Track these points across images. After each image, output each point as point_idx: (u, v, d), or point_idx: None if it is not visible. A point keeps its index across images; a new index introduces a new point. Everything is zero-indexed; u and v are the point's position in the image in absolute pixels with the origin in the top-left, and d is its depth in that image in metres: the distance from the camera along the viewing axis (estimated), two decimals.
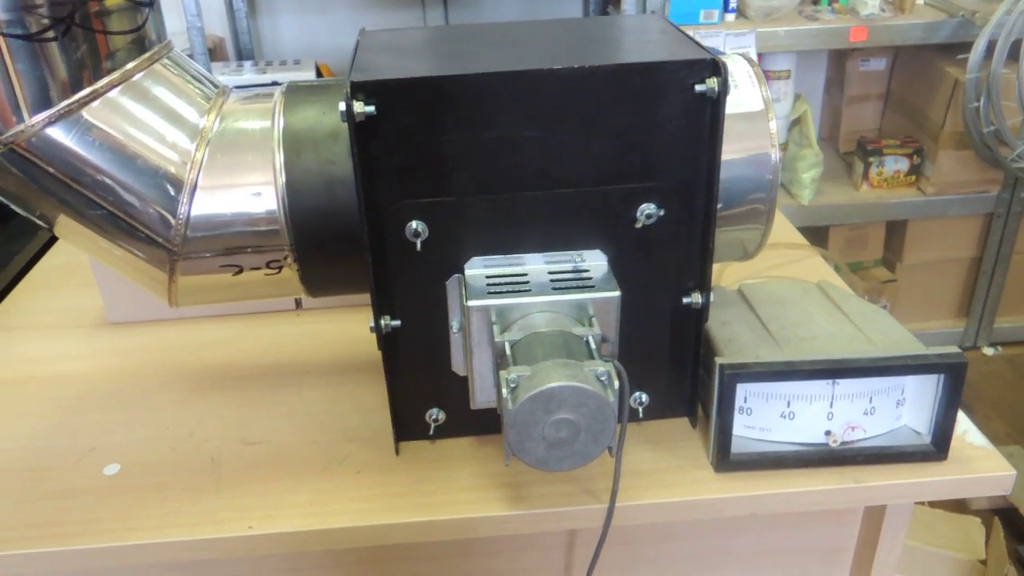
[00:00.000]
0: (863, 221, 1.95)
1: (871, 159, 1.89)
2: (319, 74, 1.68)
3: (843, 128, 2.07)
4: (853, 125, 2.07)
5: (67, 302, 0.83)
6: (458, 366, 0.58)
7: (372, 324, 0.55)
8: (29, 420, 0.66)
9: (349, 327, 0.77)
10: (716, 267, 0.78)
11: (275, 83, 1.63)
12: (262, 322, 0.78)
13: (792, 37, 1.67)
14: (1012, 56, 1.64)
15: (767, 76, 1.78)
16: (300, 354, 0.74)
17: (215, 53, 1.88)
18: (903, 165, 1.90)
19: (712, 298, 0.66)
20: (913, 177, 1.92)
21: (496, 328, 0.51)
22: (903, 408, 0.59)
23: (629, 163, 0.52)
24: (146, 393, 0.69)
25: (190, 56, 1.61)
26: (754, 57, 1.59)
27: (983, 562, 1.31)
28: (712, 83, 0.50)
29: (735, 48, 1.56)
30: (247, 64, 1.75)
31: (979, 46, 1.66)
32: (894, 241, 2.01)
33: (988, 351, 2.09)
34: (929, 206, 1.91)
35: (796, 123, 1.87)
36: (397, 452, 0.60)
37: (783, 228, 0.93)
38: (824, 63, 2.10)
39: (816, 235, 2.01)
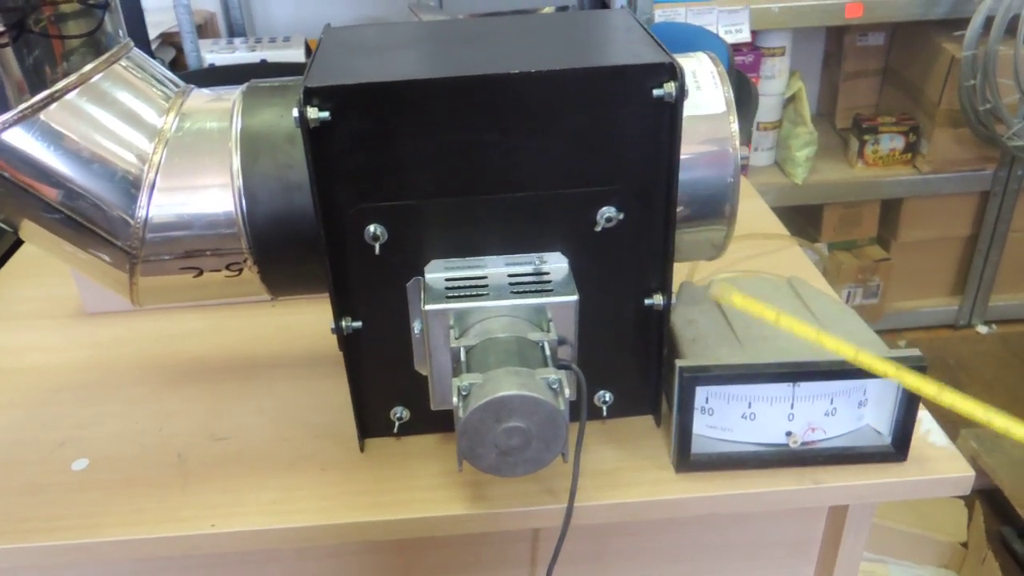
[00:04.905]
0: (858, 199, 1.94)
1: (866, 137, 1.88)
2: (309, 51, 1.67)
3: (840, 104, 2.06)
4: (850, 101, 2.05)
5: (44, 292, 0.83)
6: (421, 366, 0.58)
7: (333, 326, 0.55)
8: (1, 413, 0.67)
9: (325, 319, 0.76)
10: (689, 263, 0.78)
11: (264, 61, 1.62)
12: (238, 313, 0.79)
13: (786, 14, 1.65)
14: (1010, 32, 1.62)
15: (760, 54, 1.76)
16: (274, 347, 0.74)
17: (206, 29, 1.87)
18: (898, 143, 1.88)
19: (680, 295, 0.66)
20: (909, 155, 1.90)
21: (453, 332, 0.51)
22: (865, 408, 0.59)
23: (588, 167, 0.52)
24: (119, 386, 0.69)
25: (176, 34, 1.60)
26: (747, 35, 1.57)
27: (964, 544, 1.32)
28: (670, 87, 0.49)
29: (728, 26, 1.54)
30: (237, 41, 1.74)
31: (976, 22, 1.64)
32: (889, 219, 2.00)
33: (982, 329, 2.09)
34: (924, 184, 1.90)
35: (791, 101, 1.85)
36: (362, 449, 0.61)
37: (763, 215, 0.92)
38: (822, 37, 2.08)
39: (810, 214, 2.00)
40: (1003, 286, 2.05)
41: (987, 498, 1.46)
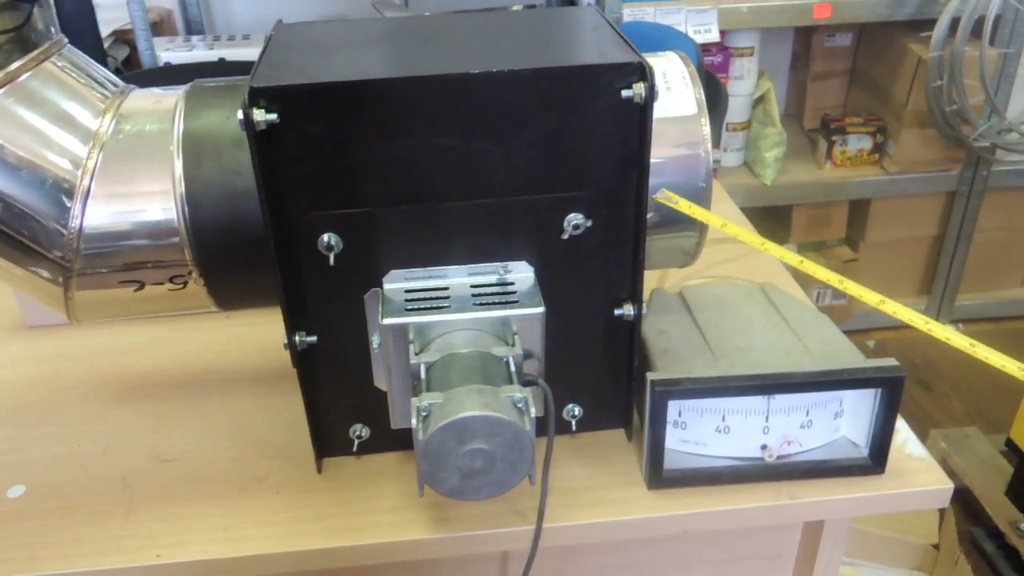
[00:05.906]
0: (826, 200, 1.94)
1: (834, 137, 1.88)
2: None
3: (808, 104, 2.05)
4: (818, 101, 2.05)
5: None
6: (381, 382, 0.55)
7: (285, 341, 0.52)
8: None
9: (282, 329, 0.74)
10: (659, 270, 0.76)
11: (222, 60, 1.57)
12: (189, 325, 0.75)
13: (755, 14, 1.63)
14: (976, 34, 1.62)
15: (729, 54, 1.75)
16: (227, 360, 0.70)
17: (163, 26, 1.81)
18: (866, 143, 1.88)
19: (650, 304, 0.64)
20: (876, 155, 1.90)
21: (413, 347, 0.48)
22: (841, 420, 0.57)
23: (554, 171, 0.49)
24: (61, 405, 0.66)
25: (131, 31, 1.55)
26: (716, 35, 1.56)
27: (936, 546, 1.32)
28: (639, 88, 0.47)
29: (696, 26, 1.53)
30: (195, 39, 1.69)
31: (943, 23, 1.64)
32: (857, 220, 2.00)
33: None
34: (892, 185, 1.90)
35: (759, 101, 1.85)
36: (319, 470, 0.57)
37: (733, 218, 0.90)
38: (791, 38, 2.08)
39: (779, 215, 2.00)
40: (969, 286, 2.06)
41: (956, 498, 1.45)
